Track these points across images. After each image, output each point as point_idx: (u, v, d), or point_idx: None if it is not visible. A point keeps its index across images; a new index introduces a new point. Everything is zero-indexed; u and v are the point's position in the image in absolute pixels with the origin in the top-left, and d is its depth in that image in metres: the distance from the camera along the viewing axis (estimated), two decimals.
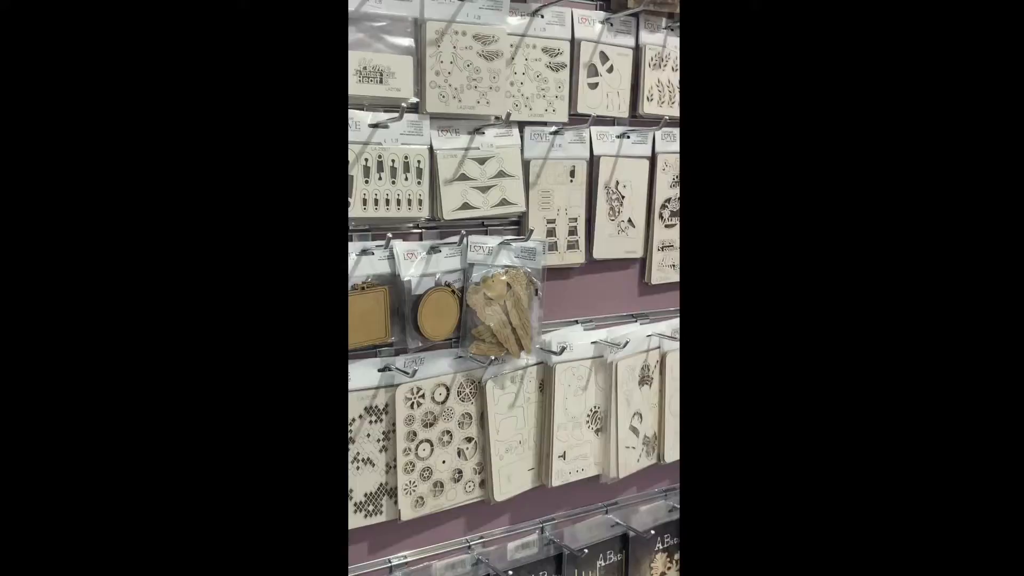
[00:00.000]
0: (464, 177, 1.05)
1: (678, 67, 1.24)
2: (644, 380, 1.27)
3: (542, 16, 1.10)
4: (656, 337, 1.28)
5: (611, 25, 1.17)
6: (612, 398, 1.22)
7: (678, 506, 1.38)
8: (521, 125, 1.10)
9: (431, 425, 1.07)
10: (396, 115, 0.94)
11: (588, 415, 1.21)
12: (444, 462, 1.09)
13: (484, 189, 1.07)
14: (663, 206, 1.27)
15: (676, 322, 1.31)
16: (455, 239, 1.06)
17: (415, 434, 1.06)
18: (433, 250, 1.04)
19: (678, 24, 1.23)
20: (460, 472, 1.11)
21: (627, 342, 1.19)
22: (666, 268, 1.29)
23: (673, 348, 1.29)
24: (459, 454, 1.11)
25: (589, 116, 1.15)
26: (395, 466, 1.05)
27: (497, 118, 1.07)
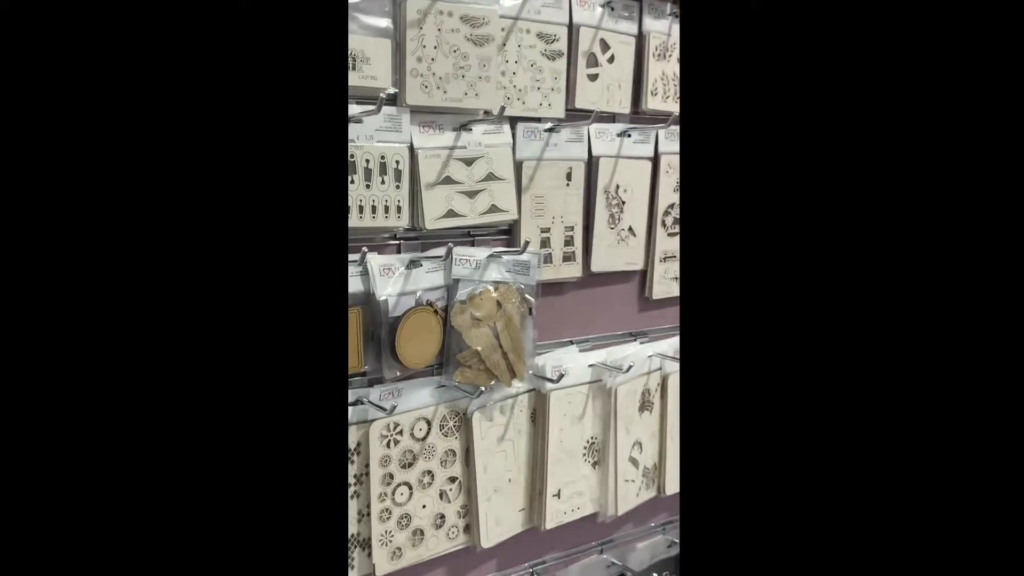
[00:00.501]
0: (449, 180, 0.91)
1: None
2: (644, 406, 1.15)
3: None
4: (657, 358, 1.16)
5: (612, 9, 1.04)
6: (611, 427, 1.09)
7: (677, 541, 1.26)
8: (513, 121, 0.97)
9: (410, 465, 0.93)
10: (372, 108, 0.80)
11: (585, 447, 1.08)
12: (424, 507, 0.95)
13: (471, 194, 0.93)
14: (666, 212, 1.14)
15: (679, 340, 1.19)
16: (439, 251, 0.92)
17: (392, 476, 0.92)
18: (413, 264, 0.90)
19: None
20: (443, 517, 0.97)
21: (630, 366, 1.07)
22: (668, 281, 1.17)
23: (675, 369, 1.17)
24: (441, 496, 0.97)
25: (586, 112, 1.01)
26: (369, 514, 0.90)
27: (486, 112, 0.93)
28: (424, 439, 0.94)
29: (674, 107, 1.12)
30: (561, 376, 1.00)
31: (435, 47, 0.87)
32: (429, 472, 0.95)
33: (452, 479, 0.98)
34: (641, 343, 1.16)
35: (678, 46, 1.11)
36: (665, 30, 1.09)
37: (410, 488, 0.94)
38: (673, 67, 1.11)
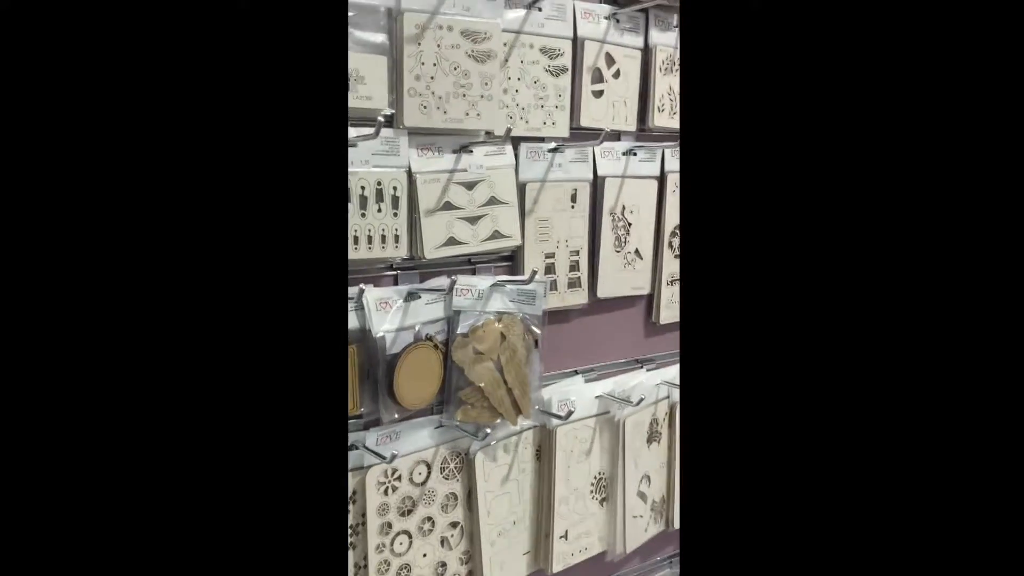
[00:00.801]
0: (449, 206, 0.85)
1: None
2: (652, 436, 1.09)
3: (539, 9, 0.91)
4: (665, 386, 1.10)
5: (617, 21, 0.98)
6: (619, 461, 1.04)
7: None
8: (515, 141, 0.91)
9: (409, 512, 0.87)
10: (369, 132, 0.73)
11: (592, 484, 1.03)
12: (425, 555, 0.89)
13: (473, 220, 0.87)
14: (673, 234, 1.09)
15: None
16: (438, 282, 0.86)
17: (390, 526, 0.85)
18: (411, 296, 0.84)
19: None
20: (444, 565, 0.91)
21: (641, 398, 1.01)
22: (676, 305, 1.11)
23: None
24: (443, 543, 0.91)
25: (591, 130, 0.96)
26: (366, 566, 0.84)
27: (488, 133, 0.87)
28: (424, 484, 0.88)
29: None
30: (570, 412, 0.94)
31: (434, 64, 0.81)
32: (429, 518, 0.89)
33: (454, 524, 0.91)
34: (648, 370, 1.10)
35: None
36: (672, 43, 1.04)
37: (410, 537, 0.87)
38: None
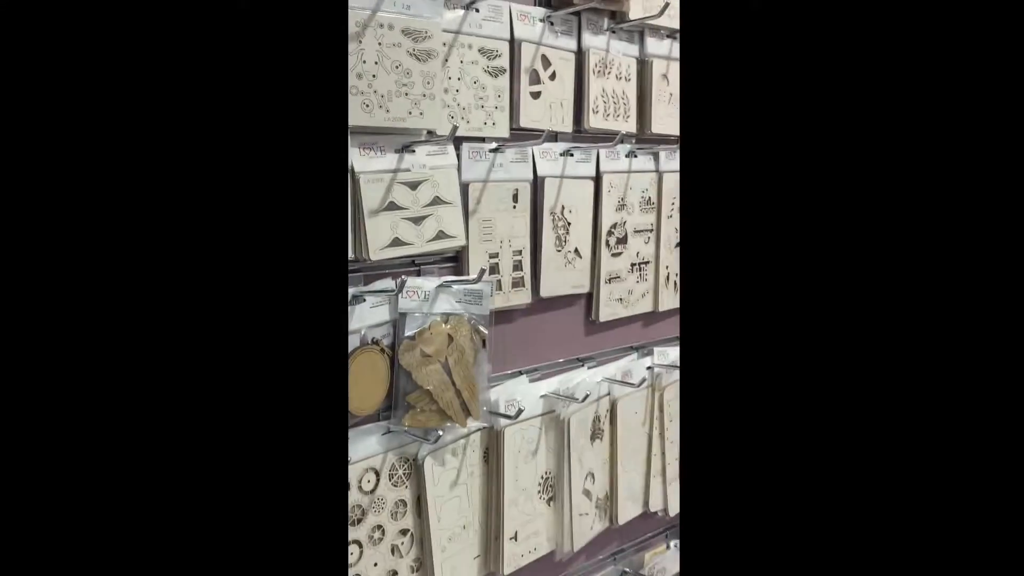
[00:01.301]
0: (393, 206, 0.84)
1: (623, 75, 1.09)
2: (595, 434, 1.10)
3: (477, 10, 0.91)
4: (606, 383, 1.12)
5: (552, 24, 0.99)
6: (564, 460, 1.04)
7: (629, 570, 1.22)
8: (457, 141, 0.90)
9: (359, 522, 0.84)
10: None
11: (540, 483, 1.03)
12: (376, 564, 0.87)
13: (418, 220, 0.86)
14: (609, 232, 1.11)
15: (626, 363, 1.16)
16: (383, 284, 0.84)
17: None
18: (356, 299, 0.82)
19: (620, 26, 1.08)
20: (395, 574, 0.89)
21: (587, 395, 1.02)
22: (613, 303, 1.13)
23: (624, 394, 1.14)
24: (393, 551, 0.89)
25: (531, 131, 0.96)
26: None
27: (430, 132, 0.86)
28: (373, 491, 0.86)
29: (615, 125, 1.08)
30: (520, 411, 0.93)
31: (376, 62, 0.79)
32: (379, 527, 0.87)
33: (404, 531, 0.89)
34: (589, 368, 1.11)
35: (617, 62, 1.08)
36: (603, 46, 1.06)
37: (360, 546, 0.85)
38: (612, 84, 1.08)
